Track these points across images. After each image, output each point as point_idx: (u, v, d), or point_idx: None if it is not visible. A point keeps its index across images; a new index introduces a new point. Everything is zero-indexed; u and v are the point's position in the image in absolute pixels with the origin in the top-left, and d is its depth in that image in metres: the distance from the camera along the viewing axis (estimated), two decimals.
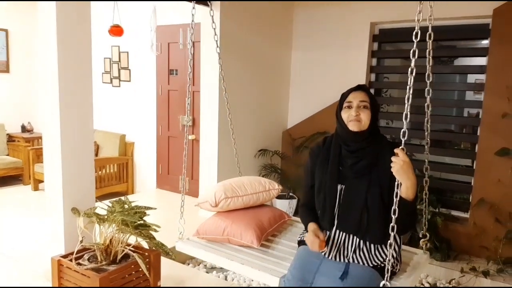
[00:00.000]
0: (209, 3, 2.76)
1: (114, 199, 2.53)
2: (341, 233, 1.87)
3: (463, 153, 4.14)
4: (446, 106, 4.59)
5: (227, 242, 2.30)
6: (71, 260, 2.30)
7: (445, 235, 3.61)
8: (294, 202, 4.43)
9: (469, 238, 3.61)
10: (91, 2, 2.64)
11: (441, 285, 3.31)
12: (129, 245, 2.42)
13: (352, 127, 1.80)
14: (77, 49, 2.56)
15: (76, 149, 2.61)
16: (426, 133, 2.12)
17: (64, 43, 2.48)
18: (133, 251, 2.38)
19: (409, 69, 1.59)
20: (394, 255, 1.80)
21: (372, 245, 1.81)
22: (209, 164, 4.08)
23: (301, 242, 2.01)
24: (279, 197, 4.20)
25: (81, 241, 2.32)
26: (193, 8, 2.45)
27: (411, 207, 1.67)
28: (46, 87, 2.54)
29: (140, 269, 2.30)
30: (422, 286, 3.32)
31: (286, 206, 4.37)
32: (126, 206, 2.37)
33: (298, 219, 2.49)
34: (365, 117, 1.79)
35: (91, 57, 2.66)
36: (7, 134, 5.77)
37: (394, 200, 1.61)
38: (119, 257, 2.33)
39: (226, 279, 3.24)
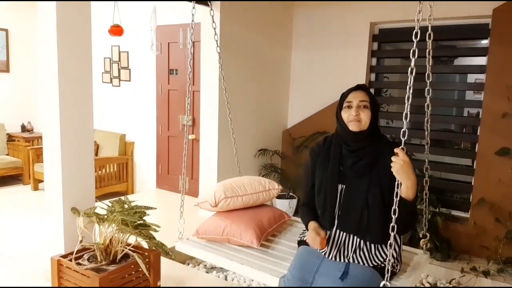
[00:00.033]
0: (209, 3, 2.76)
1: (114, 199, 2.53)
2: (341, 233, 1.86)
3: (463, 153, 4.14)
4: (446, 105, 4.59)
5: (227, 242, 2.30)
6: (71, 260, 2.30)
7: (446, 235, 3.61)
8: (294, 202, 4.43)
9: (470, 238, 3.61)
10: (91, 2, 2.64)
11: (442, 285, 3.31)
12: (129, 245, 2.42)
13: (353, 127, 1.79)
14: (77, 49, 2.56)
15: (76, 149, 2.60)
16: (426, 133, 2.11)
17: (64, 43, 2.48)
18: (133, 251, 2.38)
19: (409, 69, 1.59)
20: (394, 255, 1.80)
21: (372, 245, 1.81)
22: (209, 163, 4.08)
23: (301, 242, 2.01)
24: (279, 197, 4.19)
25: (81, 241, 2.32)
26: (193, 8, 2.45)
27: (411, 207, 1.67)
28: (46, 87, 2.53)
29: (140, 269, 2.30)
30: (422, 286, 3.32)
31: (286, 206, 4.37)
32: (126, 206, 2.37)
33: (298, 219, 2.49)
34: (365, 117, 1.79)
35: (91, 57, 2.66)
36: (7, 134, 5.78)
37: (394, 200, 1.61)
38: (119, 257, 2.33)
39: (226, 279, 3.24)
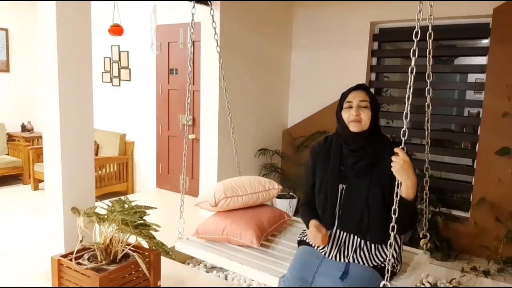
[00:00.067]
0: (209, 3, 2.76)
1: (114, 198, 2.53)
2: (342, 232, 1.86)
3: (464, 153, 4.13)
4: (447, 105, 4.59)
5: (227, 242, 2.30)
6: (71, 260, 2.30)
7: (446, 234, 3.61)
8: (294, 201, 4.43)
9: (470, 238, 3.61)
10: (91, 2, 2.64)
11: (442, 285, 3.30)
12: (129, 244, 2.42)
13: (353, 128, 1.79)
14: (77, 48, 2.55)
15: (76, 149, 2.60)
16: (426, 133, 2.11)
17: (64, 43, 2.48)
18: (133, 251, 2.38)
19: (409, 69, 1.59)
20: (395, 255, 1.79)
21: (372, 245, 1.81)
22: (209, 163, 4.08)
23: (301, 242, 2.01)
24: (279, 196, 4.19)
25: (81, 241, 2.32)
26: (193, 7, 2.45)
27: (411, 207, 1.67)
28: (46, 87, 2.53)
29: (140, 269, 2.30)
30: (422, 286, 3.31)
31: (286, 205, 4.37)
32: (126, 205, 2.37)
33: (298, 219, 2.49)
34: (366, 117, 1.79)
35: (91, 56, 2.66)
36: (7, 134, 5.77)
37: (395, 200, 1.61)
38: (119, 256, 2.33)
39: (226, 279, 3.23)
